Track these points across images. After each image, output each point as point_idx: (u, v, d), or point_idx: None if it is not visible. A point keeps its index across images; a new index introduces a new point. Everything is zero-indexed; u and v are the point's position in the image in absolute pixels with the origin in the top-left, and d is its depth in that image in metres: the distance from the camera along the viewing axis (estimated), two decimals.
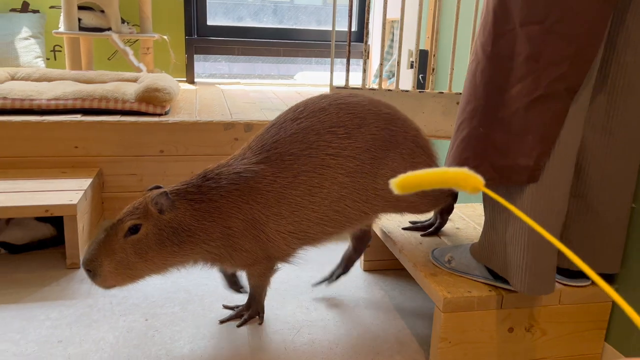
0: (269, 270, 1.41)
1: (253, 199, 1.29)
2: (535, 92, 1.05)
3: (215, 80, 3.81)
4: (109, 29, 3.14)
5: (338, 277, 1.65)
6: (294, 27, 3.90)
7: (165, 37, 3.32)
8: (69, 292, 1.59)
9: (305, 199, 1.30)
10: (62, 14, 3.09)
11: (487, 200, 1.27)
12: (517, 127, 1.09)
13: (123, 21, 3.22)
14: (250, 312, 1.47)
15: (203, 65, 4.64)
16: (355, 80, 3.24)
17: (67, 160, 2.10)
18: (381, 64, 1.96)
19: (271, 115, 2.37)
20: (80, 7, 3.10)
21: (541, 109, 1.06)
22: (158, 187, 1.31)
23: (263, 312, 1.49)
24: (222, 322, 1.46)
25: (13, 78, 2.65)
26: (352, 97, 1.38)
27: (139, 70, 3.12)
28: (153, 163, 2.17)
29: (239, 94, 3.09)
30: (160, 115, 2.24)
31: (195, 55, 3.56)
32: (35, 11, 3.42)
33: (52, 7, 3.46)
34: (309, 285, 1.69)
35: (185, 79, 3.53)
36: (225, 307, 1.54)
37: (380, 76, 1.98)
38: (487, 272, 1.29)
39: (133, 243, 1.23)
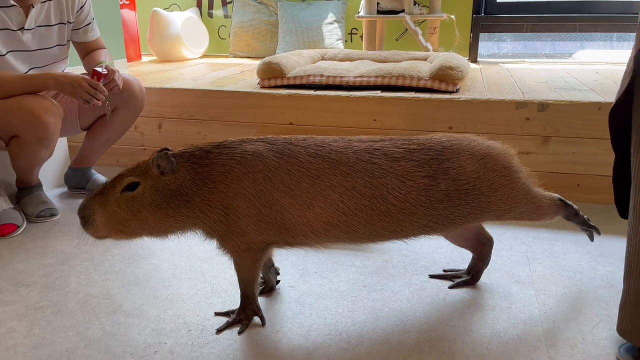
0: (260, 259, 1.32)
1: (278, 179, 1.23)
2: None
3: (498, 60, 3.72)
4: (402, 10, 3.35)
5: (465, 285, 1.55)
6: None
7: (452, 16, 3.38)
8: (368, 246, 1.81)
9: (353, 212, 1.25)
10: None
11: None
12: None
13: (415, 3, 3.40)
14: (247, 314, 1.36)
15: (481, 44, 4.55)
16: None
17: (366, 132, 2.35)
18: None
19: (568, 95, 2.22)
20: None
21: None
22: (167, 150, 1.29)
23: (260, 311, 1.38)
24: (219, 330, 1.34)
25: (323, 58, 3.07)
26: (421, 152, 1.31)
27: (426, 49, 3.26)
28: None
29: (526, 73, 2.96)
30: (451, 92, 2.32)
31: (479, 34, 3.54)
32: None
33: None
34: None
35: (467, 58, 3.54)
36: (217, 314, 1.41)
37: None
38: None
39: (128, 199, 1.23)
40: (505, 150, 1.40)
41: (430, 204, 1.29)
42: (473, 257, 1.57)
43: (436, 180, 1.29)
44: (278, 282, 1.55)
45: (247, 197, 1.22)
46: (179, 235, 1.31)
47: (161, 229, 1.27)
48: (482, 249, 1.54)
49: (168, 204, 1.23)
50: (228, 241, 1.27)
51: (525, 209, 1.40)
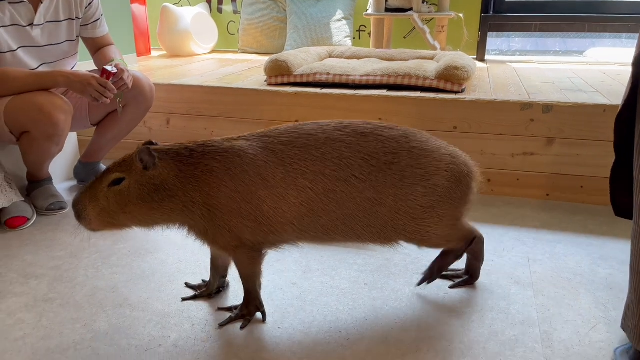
0: (257, 255, 1.35)
1: (255, 171, 1.27)
2: None
3: (506, 58, 3.71)
4: (411, 9, 3.35)
5: (465, 284, 1.57)
6: None
7: (460, 15, 3.38)
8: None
9: (318, 197, 1.28)
10: None
11: None
12: None
13: (423, 1, 3.40)
14: (251, 310, 1.40)
15: (490, 41, 4.53)
16: None
17: None
18: None
19: (573, 97, 2.23)
20: None
21: None
22: (151, 143, 1.32)
23: (263, 307, 1.40)
24: (221, 325, 1.37)
25: (330, 56, 3.09)
26: (391, 130, 1.36)
27: (434, 48, 3.26)
28: (445, 138, 2.26)
29: (533, 73, 2.96)
30: (457, 92, 2.33)
31: (488, 32, 3.53)
32: None
33: None
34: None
35: (475, 57, 3.54)
36: (220, 309, 1.44)
37: None
38: None
39: (115, 194, 1.27)
40: (468, 168, 1.39)
41: (385, 189, 1.29)
42: (467, 256, 1.58)
43: (398, 157, 1.31)
44: (219, 291, 1.53)
45: (227, 194, 1.26)
46: (168, 227, 1.34)
47: (149, 221, 1.31)
48: (474, 247, 1.54)
49: (152, 198, 1.27)
50: (219, 238, 1.30)
51: (442, 234, 1.39)
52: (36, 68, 1.98)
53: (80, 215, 1.30)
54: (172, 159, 1.28)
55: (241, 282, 1.40)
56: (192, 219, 1.29)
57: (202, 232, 1.31)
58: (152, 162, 1.26)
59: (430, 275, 1.54)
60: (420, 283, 1.54)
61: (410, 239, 1.38)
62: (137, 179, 1.27)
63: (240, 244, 1.31)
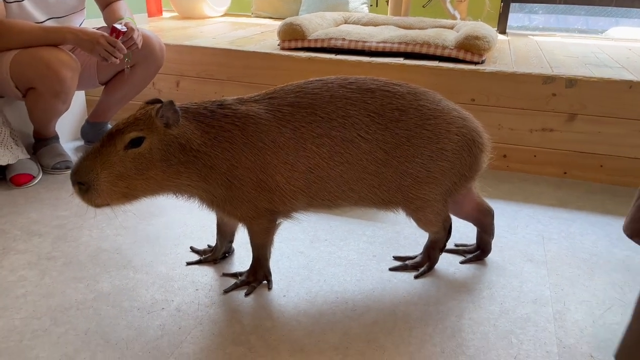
0: (272, 226, 1.31)
1: (270, 138, 1.21)
2: None
3: (528, 32, 3.59)
4: None
5: (476, 259, 1.53)
6: None
7: None
8: (380, 214, 1.78)
9: (324, 161, 1.23)
10: None
11: None
12: None
13: None
14: (258, 277, 1.37)
15: (512, 16, 4.39)
16: None
17: None
18: None
19: (598, 72, 2.14)
20: None
21: None
22: (158, 101, 1.22)
23: (270, 276, 1.38)
24: (226, 291, 1.34)
25: (346, 21, 2.99)
26: (399, 86, 1.30)
27: (453, 17, 3.16)
28: None
29: (556, 47, 2.85)
30: (476, 63, 2.25)
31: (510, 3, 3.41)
32: None
33: None
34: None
35: (496, 29, 3.42)
36: (225, 275, 1.42)
37: None
38: None
39: (134, 157, 1.14)
40: (479, 137, 1.32)
41: (391, 149, 1.24)
42: (478, 230, 1.54)
43: (406, 115, 1.25)
44: (225, 257, 1.50)
45: (247, 165, 1.21)
46: (178, 195, 1.26)
47: (165, 188, 1.21)
48: (483, 220, 1.50)
49: (178, 159, 1.17)
50: (237, 209, 1.26)
51: (437, 209, 1.34)
52: (43, 22, 1.92)
53: (90, 188, 1.14)
54: (193, 118, 1.20)
55: (252, 249, 1.37)
56: (212, 186, 1.22)
57: (219, 202, 1.24)
58: (176, 119, 1.16)
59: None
60: (396, 269, 1.48)
61: (409, 205, 1.32)
62: (161, 138, 1.15)
63: (257, 214, 1.27)
